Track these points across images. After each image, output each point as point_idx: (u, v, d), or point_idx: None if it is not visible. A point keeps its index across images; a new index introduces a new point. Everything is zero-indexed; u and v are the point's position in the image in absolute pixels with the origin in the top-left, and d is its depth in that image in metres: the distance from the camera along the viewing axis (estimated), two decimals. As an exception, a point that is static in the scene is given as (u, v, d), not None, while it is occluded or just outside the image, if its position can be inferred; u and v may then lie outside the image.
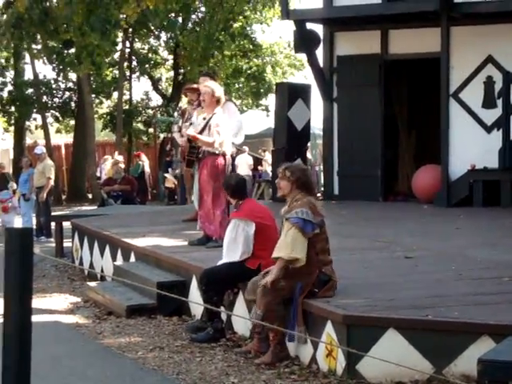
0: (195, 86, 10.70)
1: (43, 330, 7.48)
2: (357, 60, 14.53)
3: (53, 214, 15.52)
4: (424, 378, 5.43)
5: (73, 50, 26.56)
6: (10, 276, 3.30)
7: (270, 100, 28.95)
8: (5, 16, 24.76)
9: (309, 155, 23.22)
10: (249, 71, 28.52)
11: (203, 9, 27.50)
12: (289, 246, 6.08)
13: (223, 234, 8.25)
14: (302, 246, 6.08)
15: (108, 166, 23.27)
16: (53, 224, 14.26)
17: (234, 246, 6.84)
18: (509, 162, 13.00)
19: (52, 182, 15.95)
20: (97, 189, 23.60)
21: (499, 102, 13.37)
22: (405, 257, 8.06)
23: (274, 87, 28.25)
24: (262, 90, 28.76)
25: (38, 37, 25.59)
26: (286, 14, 14.72)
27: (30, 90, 30.62)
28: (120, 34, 28.86)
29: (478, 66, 13.66)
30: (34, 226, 15.46)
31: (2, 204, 17.53)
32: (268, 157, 23.66)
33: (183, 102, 26.96)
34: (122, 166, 20.59)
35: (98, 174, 23.36)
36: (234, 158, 24.58)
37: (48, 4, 23.99)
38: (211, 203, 8.76)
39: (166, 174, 23.10)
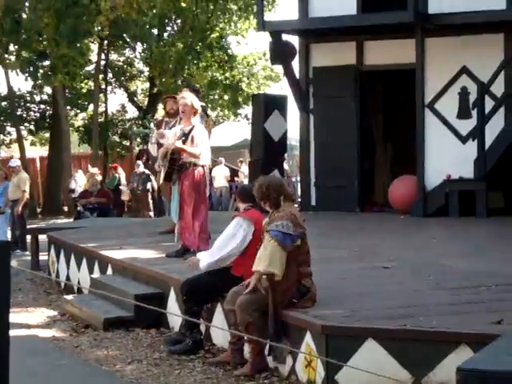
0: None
1: (20, 344, 7.40)
2: (332, 71, 14.59)
3: (28, 226, 15.40)
4: (403, 388, 5.44)
5: (47, 62, 26.44)
6: (-13, 289, 3.26)
7: (246, 111, 29.00)
8: None
9: (286, 166, 23.30)
10: (225, 82, 28.53)
11: (179, 20, 27.50)
12: (267, 259, 6.07)
13: (202, 246, 8.24)
14: (279, 261, 6.06)
15: (79, 178, 23.19)
16: (28, 237, 14.15)
17: (228, 242, 6.73)
18: (484, 171, 13.11)
19: (27, 195, 15.83)
20: (71, 201, 23.47)
21: (474, 113, 13.49)
22: (382, 267, 8.08)
23: (249, 99, 28.46)
24: (240, 100, 28.77)
25: (11, 47, 25.44)
26: (262, 25, 14.75)
27: (4, 103, 30.41)
28: (95, 46, 28.81)
29: (452, 77, 13.78)
30: (10, 239, 15.32)
31: None
32: (244, 168, 23.67)
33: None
34: (99, 178, 20.50)
35: (71, 187, 23.25)
36: (210, 170, 24.65)
37: (20, 14, 23.85)
38: (191, 214, 8.75)
39: (121, 187, 23.10)
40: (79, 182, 23.12)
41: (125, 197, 23.39)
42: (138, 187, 21.67)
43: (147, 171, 22.23)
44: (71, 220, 20.01)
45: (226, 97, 29.68)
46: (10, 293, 3.36)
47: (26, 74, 27.10)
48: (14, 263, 12.43)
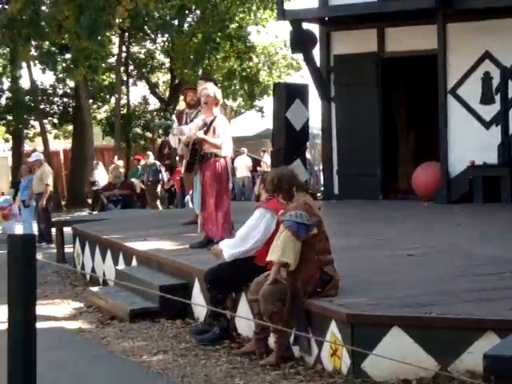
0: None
1: (47, 336, 7.48)
2: (354, 59, 14.53)
3: (53, 219, 15.50)
4: (429, 375, 5.43)
5: (69, 55, 26.59)
6: (13, 283, 3.29)
7: (265, 101, 28.88)
8: None
9: (308, 155, 23.26)
10: (243, 73, 28.49)
11: (198, 11, 27.49)
12: (280, 249, 6.09)
13: (225, 236, 8.25)
14: (292, 250, 6.07)
15: (101, 171, 23.35)
16: (53, 230, 14.24)
17: (251, 234, 6.73)
18: (508, 157, 13.01)
19: (51, 188, 15.91)
20: (93, 194, 23.62)
21: (497, 98, 13.37)
22: (407, 254, 8.05)
23: (269, 88, 28.39)
24: (256, 92, 28.71)
25: (33, 41, 25.60)
26: (282, 14, 14.72)
27: (28, 98, 30.62)
28: (116, 39, 28.90)
29: (475, 62, 13.67)
30: (36, 233, 15.44)
31: (2, 211, 17.54)
32: (267, 158, 23.65)
33: (181, 105, 27.01)
34: (122, 170, 20.62)
35: (93, 179, 23.43)
36: (232, 160, 24.70)
37: (40, 6, 23.97)
38: (214, 205, 8.77)
39: (133, 179, 23.28)
40: (101, 174, 23.27)
41: (136, 189, 23.53)
42: (148, 178, 21.75)
43: (158, 163, 22.36)
44: (95, 212, 20.12)
45: (243, 88, 29.61)
46: (35, 286, 3.39)
47: (45, 66, 27.29)
48: (39, 256, 12.54)
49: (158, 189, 21.91)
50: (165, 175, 22.26)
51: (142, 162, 23.58)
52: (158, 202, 21.63)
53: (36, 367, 3.41)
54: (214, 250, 7.08)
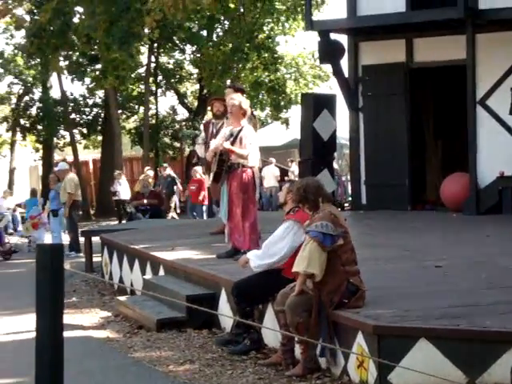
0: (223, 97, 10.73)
1: (75, 344, 7.53)
2: (382, 69, 14.52)
3: (81, 229, 15.61)
4: (457, 388, 5.39)
5: (98, 66, 26.82)
6: (41, 292, 3.33)
7: (291, 113, 28.90)
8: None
9: (335, 165, 23.24)
10: (269, 84, 28.54)
11: (227, 22, 27.60)
12: (305, 260, 6.08)
13: (252, 247, 8.24)
14: (318, 261, 6.06)
15: (122, 181, 23.54)
16: (82, 239, 14.34)
17: (279, 246, 6.73)
18: (538, 168, 12.91)
19: (77, 197, 15.94)
20: (115, 204, 23.84)
21: (527, 109, 13.28)
22: (435, 266, 8.00)
23: (296, 99, 28.39)
24: (281, 103, 28.74)
25: (62, 52, 25.87)
26: (310, 24, 14.75)
27: (58, 108, 30.91)
28: (145, 49, 29.11)
29: (504, 73, 13.59)
30: (66, 242, 15.56)
31: (32, 220, 17.71)
32: (295, 167, 23.66)
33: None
34: (151, 180, 20.75)
35: (114, 190, 23.65)
36: (260, 170, 24.73)
37: (70, 16, 24.22)
38: (240, 215, 8.78)
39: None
40: (122, 184, 23.44)
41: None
42: (162, 190, 21.86)
43: (173, 174, 22.46)
44: (124, 222, 20.24)
45: (270, 98, 29.63)
46: (63, 295, 3.42)
47: (73, 76, 27.56)
48: (67, 265, 12.64)
49: (174, 199, 21.99)
50: (180, 187, 22.37)
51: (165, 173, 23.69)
52: (175, 213, 21.72)
53: (63, 376, 3.43)
54: (241, 261, 7.09)
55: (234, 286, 7.05)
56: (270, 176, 24.17)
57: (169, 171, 22.87)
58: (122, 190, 23.31)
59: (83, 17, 23.78)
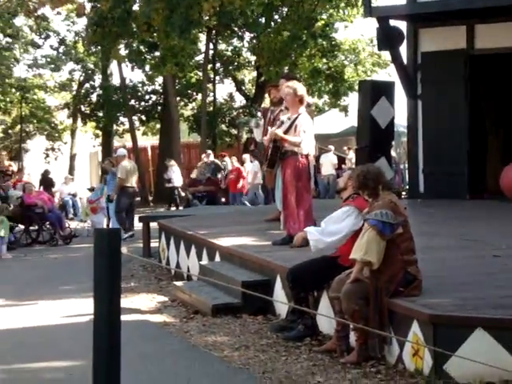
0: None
1: (132, 328, 7.65)
2: (442, 56, 14.31)
3: (140, 215, 15.81)
4: (514, 379, 5.33)
5: (157, 53, 27.02)
6: (99, 276, 3.39)
7: (349, 100, 28.75)
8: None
9: (393, 153, 23.04)
10: (327, 71, 28.38)
11: (286, 8, 27.51)
12: (363, 248, 6.06)
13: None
14: (376, 249, 6.04)
15: (175, 168, 23.78)
16: (140, 224, 14.52)
17: (337, 226, 6.69)
18: None
19: (128, 183, 16.16)
20: (169, 191, 24.13)
21: None
22: (493, 255, 7.90)
23: (354, 86, 28.20)
24: (341, 90, 28.54)
25: (122, 40, 26.13)
26: (369, 11, 14.61)
27: (118, 95, 31.28)
28: (203, 36, 29.23)
29: None
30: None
31: (91, 205, 18.01)
32: (352, 155, 23.53)
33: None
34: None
35: (168, 177, 23.91)
36: (318, 158, 24.67)
37: (130, 4, 24.44)
38: (295, 203, 8.79)
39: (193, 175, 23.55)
40: (175, 172, 23.65)
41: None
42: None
43: (217, 161, 22.50)
44: (173, 208, 20.41)
45: (328, 86, 29.50)
46: (120, 279, 3.48)
47: (133, 64, 27.83)
48: (125, 250, 12.81)
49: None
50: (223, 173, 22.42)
51: (227, 159, 23.77)
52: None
53: (120, 359, 3.49)
54: (298, 238, 7.11)
55: (289, 271, 7.07)
56: (328, 164, 24.08)
57: (212, 158, 22.92)
58: (176, 177, 23.55)
59: (142, 4, 23.95)
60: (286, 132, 8.83)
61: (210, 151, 24.26)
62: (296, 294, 6.92)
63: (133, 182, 16.50)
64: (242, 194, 20.43)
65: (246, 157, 22.15)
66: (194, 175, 22.71)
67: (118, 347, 3.42)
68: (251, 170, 21.57)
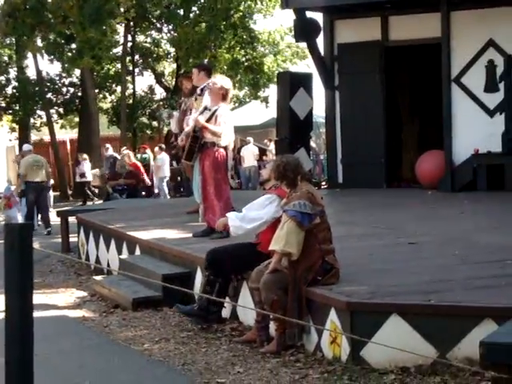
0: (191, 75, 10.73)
1: (50, 324, 7.56)
2: (358, 47, 14.52)
3: (58, 209, 15.61)
4: (428, 363, 5.45)
5: (75, 46, 26.60)
6: (9, 272, 3.33)
7: (269, 91, 28.88)
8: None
9: (313, 144, 23.27)
10: (246, 63, 28.44)
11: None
12: (283, 239, 6.11)
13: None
14: (296, 240, 6.10)
15: (87, 163, 23.68)
16: (59, 219, 14.31)
17: (258, 212, 6.73)
18: (512, 145, 13.00)
19: (30, 179, 16.17)
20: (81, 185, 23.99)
21: (501, 86, 13.36)
22: (408, 243, 8.07)
23: (273, 78, 28.33)
24: (260, 82, 28.65)
25: (38, 32, 25.62)
26: (286, 2, 14.70)
27: (34, 87, 30.67)
28: (121, 28, 28.90)
29: (479, 50, 13.64)
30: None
31: (7, 200, 17.75)
32: (272, 147, 23.70)
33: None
34: (132, 156, 20.70)
35: (80, 171, 23.83)
36: (239, 149, 24.75)
37: None
38: (214, 195, 8.79)
39: (92, 171, 23.49)
40: (86, 166, 23.58)
41: (95, 182, 23.76)
42: (105, 171, 21.80)
43: (115, 154, 22.36)
44: (101, 202, 20.20)
45: (247, 78, 29.54)
46: (32, 274, 3.42)
47: (52, 57, 27.33)
48: (37, 245, 12.61)
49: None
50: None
51: (148, 152, 23.63)
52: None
53: (33, 355, 3.44)
54: (220, 223, 7.12)
55: (209, 251, 7.05)
56: (250, 155, 24.19)
57: (111, 152, 22.69)
58: (88, 171, 23.46)
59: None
60: (206, 121, 8.82)
61: (108, 145, 24.09)
62: (208, 275, 6.90)
63: (37, 176, 16.26)
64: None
65: (130, 153, 22.10)
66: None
67: (31, 343, 3.37)
68: (155, 163, 21.54)
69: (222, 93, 8.87)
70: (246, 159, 24.06)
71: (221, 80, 9.00)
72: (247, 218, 6.79)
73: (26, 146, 17.61)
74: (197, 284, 7.90)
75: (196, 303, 7.08)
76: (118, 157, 22.04)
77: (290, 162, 6.50)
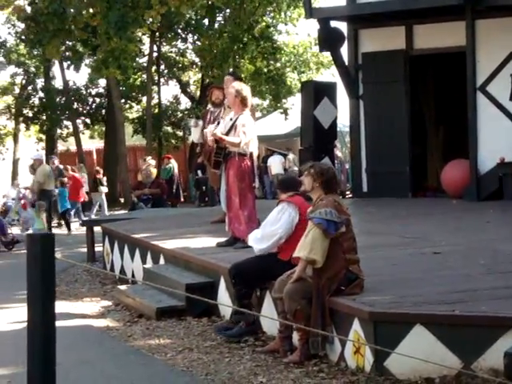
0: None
1: (75, 333, 7.60)
2: (382, 56, 14.48)
3: (84, 219, 15.73)
4: (452, 374, 5.41)
5: (99, 56, 26.74)
6: (32, 282, 3.35)
7: (290, 102, 28.85)
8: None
9: (339, 153, 23.27)
10: (269, 74, 28.45)
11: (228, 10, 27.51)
12: (308, 246, 6.10)
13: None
14: (321, 248, 6.09)
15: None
16: (84, 229, 14.39)
17: (273, 227, 6.76)
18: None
19: (46, 187, 17.11)
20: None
21: (527, 94, 13.26)
22: (433, 252, 8.02)
23: (293, 90, 28.31)
24: (281, 93, 28.64)
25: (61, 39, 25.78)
26: (310, 12, 14.71)
27: (61, 97, 30.91)
28: (147, 39, 29.06)
29: (504, 59, 13.54)
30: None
31: (20, 202, 18.39)
32: (291, 155, 23.89)
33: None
34: (154, 170, 20.72)
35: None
36: (264, 159, 24.74)
37: (66, 2, 24.12)
38: (239, 204, 8.79)
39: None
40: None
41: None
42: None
43: (61, 166, 22.11)
44: (126, 211, 20.26)
45: (269, 88, 29.56)
46: (54, 284, 3.44)
47: (69, 62, 27.47)
48: (59, 255, 12.68)
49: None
50: (66, 180, 21.70)
51: (172, 161, 23.68)
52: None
53: (55, 365, 3.45)
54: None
55: (232, 266, 7.09)
56: (277, 163, 24.30)
57: (57, 163, 22.41)
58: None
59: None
60: (228, 132, 8.81)
61: (54, 156, 24.13)
62: (238, 290, 6.93)
63: (52, 185, 17.65)
64: (77, 203, 20.43)
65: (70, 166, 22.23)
66: (139, 178, 22.53)
67: (52, 353, 3.38)
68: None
69: (239, 99, 8.80)
70: (273, 167, 24.22)
71: (235, 86, 8.96)
72: (264, 236, 6.86)
73: (37, 155, 18.43)
74: (220, 293, 7.90)
75: (241, 321, 7.01)
76: (62, 168, 21.77)
77: (331, 170, 6.55)
